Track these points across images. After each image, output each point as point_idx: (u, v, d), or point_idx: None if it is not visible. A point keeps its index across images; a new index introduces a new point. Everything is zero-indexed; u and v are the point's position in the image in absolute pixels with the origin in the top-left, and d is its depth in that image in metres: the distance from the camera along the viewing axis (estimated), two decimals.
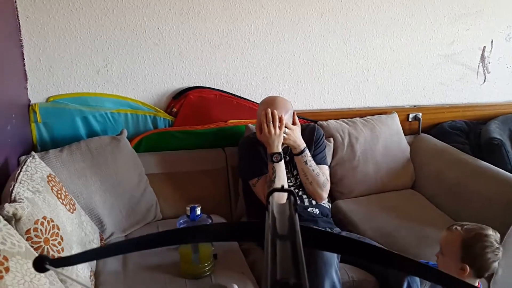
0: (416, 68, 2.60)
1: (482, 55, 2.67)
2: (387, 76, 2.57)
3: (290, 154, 1.95)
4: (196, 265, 1.60)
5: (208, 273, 1.62)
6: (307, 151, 1.90)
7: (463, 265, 1.39)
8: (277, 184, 1.80)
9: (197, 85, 2.27)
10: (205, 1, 2.17)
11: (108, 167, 1.91)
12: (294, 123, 1.91)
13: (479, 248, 1.38)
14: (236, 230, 0.64)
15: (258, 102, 2.07)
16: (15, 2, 1.95)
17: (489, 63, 2.68)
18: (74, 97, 2.13)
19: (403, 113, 2.59)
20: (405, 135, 2.49)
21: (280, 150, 1.82)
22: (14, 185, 1.36)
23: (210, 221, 1.67)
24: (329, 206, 2.04)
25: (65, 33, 2.06)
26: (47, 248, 1.30)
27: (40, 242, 1.29)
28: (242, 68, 2.32)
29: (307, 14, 2.33)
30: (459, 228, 1.44)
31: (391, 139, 2.41)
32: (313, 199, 1.96)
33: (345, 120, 2.41)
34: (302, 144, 1.89)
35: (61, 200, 1.53)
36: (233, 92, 2.32)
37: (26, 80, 2.06)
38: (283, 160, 1.83)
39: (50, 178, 1.56)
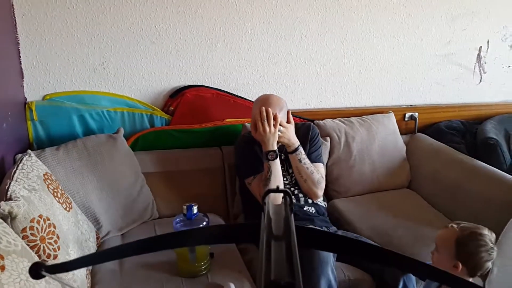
0: (412, 68, 2.61)
1: (479, 55, 2.68)
2: (383, 76, 2.57)
3: (285, 153, 1.96)
4: (193, 264, 1.60)
5: (204, 272, 1.63)
6: (301, 149, 1.90)
7: (456, 262, 1.40)
8: (273, 183, 1.80)
9: (194, 84, 2.27)
10: None
11: (104, 166, 1.91)
12: (288, 121, 1.92)
13: (473, 246, 1.39)
14: (232, 232, 0.64)
15: None
16: None
17: (485, 63, 2.69)
18: (70, 95, 2.12)
19: (400, 112, 2.60)
20: (401, 134, 2.50)
21: (275, 148, 1.82)
22: (10, 183, 1.36)
23: (206, 219, 1.66)
24: (325, 205, 2.04)
25: (62, 31, 2.05)
26: (43, 247, 1.29)
27: (36, 240, 1.28)
28: (239, 67, 2.32)
29: (304, 14, 2.34)
30: (455, 226, 1.45)
31: (387, 138, 2.41)
32: (309, 198, 1.97)
33: (341, 119, 2.41)
34: (296, 142, 1.90)
35: (57, 199, 1.53)
36: (230, 91, 2.32)
37: (22, 78, 2.05)
38: (278, 158, 1.83)
39: (46, 176, 1.55)
